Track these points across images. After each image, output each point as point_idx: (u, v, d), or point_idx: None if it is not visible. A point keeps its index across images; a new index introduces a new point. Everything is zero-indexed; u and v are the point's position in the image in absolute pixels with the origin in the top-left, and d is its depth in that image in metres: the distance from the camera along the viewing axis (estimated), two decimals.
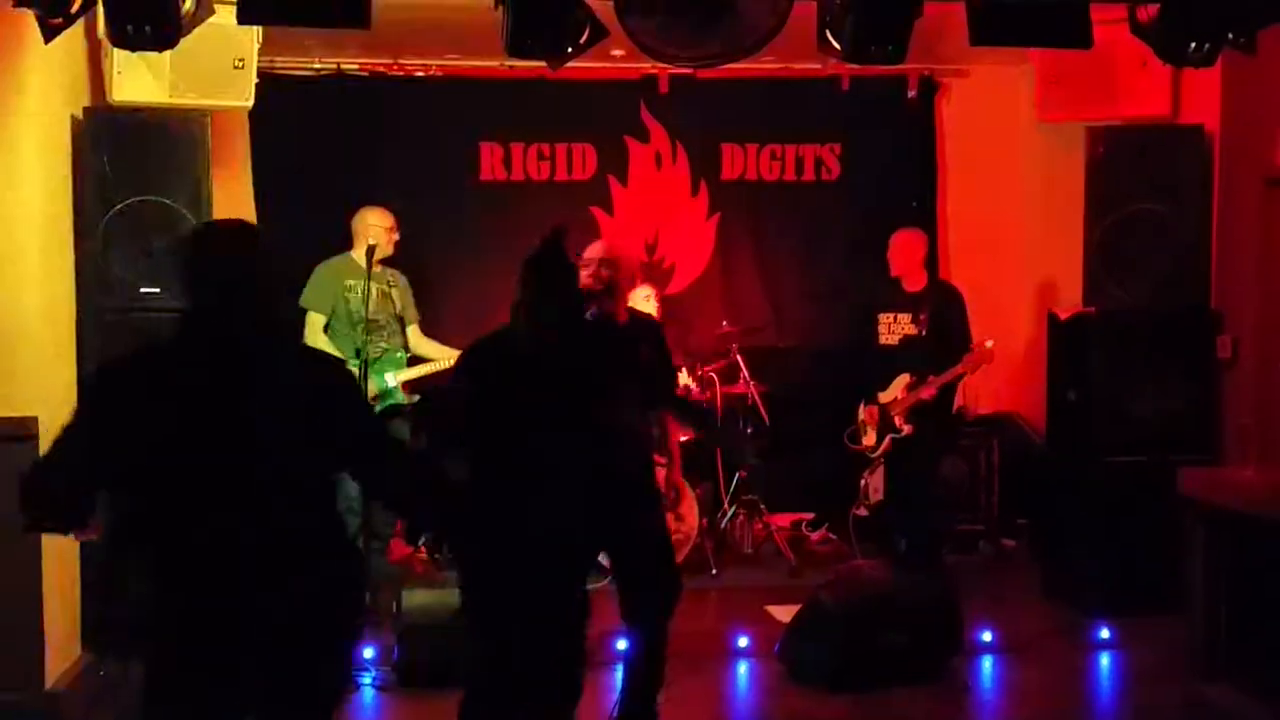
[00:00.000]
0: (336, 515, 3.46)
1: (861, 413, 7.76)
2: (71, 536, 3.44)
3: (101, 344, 6.20)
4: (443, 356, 7.29)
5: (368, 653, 6.00)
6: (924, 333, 7.37)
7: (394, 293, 7.37)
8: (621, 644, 5.56)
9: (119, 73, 6.30)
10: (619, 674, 5.34)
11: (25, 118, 5.53)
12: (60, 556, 5.54)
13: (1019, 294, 8.75)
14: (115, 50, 5.62)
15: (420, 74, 8.32)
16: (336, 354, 6.59)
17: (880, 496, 7.75)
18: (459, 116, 8.45)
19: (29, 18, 4.77)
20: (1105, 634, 6.66)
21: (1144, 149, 6.99)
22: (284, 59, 7.90)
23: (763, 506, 8.04)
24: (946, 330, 7.31)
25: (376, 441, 3.52)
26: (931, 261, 7.83)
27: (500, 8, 4.98)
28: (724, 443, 7.53)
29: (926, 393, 7.28)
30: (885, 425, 7.54)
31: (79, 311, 6.19)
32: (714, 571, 7.56)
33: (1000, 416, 8.60)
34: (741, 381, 7.97)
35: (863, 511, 7.89)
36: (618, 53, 7.41)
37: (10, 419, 5.17)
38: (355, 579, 3.47)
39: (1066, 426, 7.33)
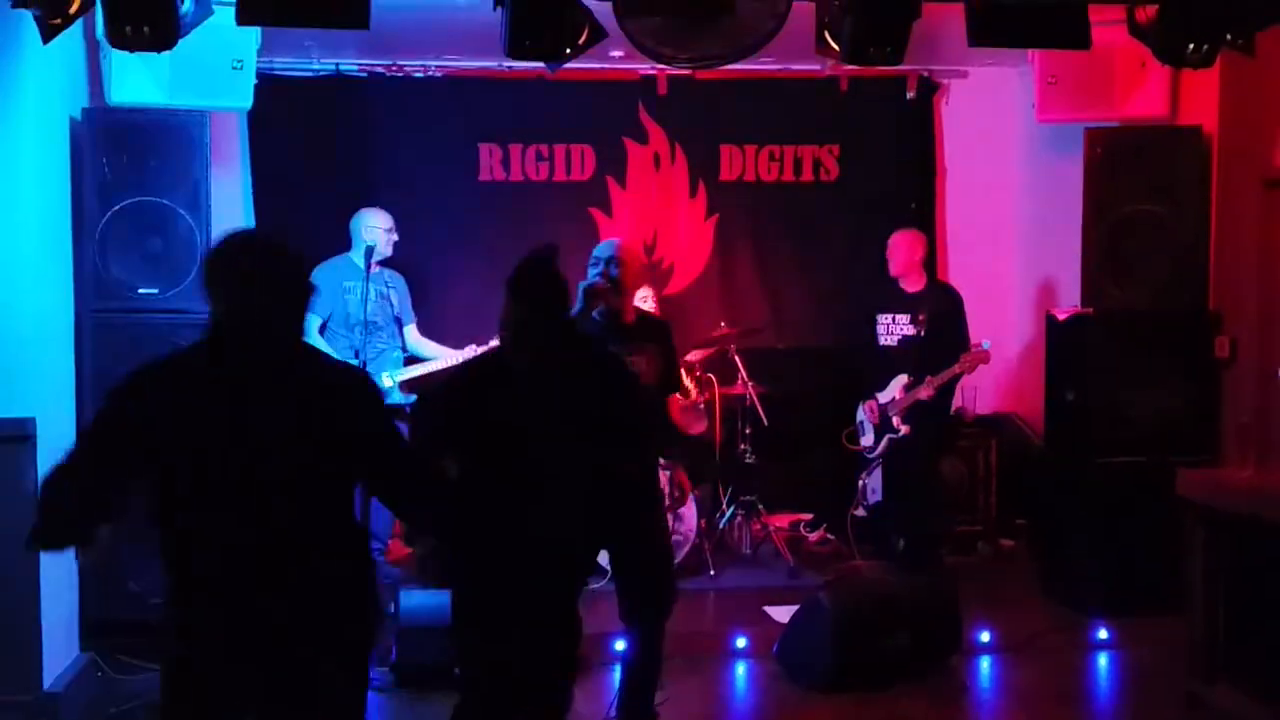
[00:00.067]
0: (353, 522, 3.46)
1: (860, 413, 7.76)
2: (76, 555, 3.44)
3: (100, 345, 6.22)
4: (441, 355, 7.32)
5: None
6: (922, 333, 7.38)
7: (392, 294, 7.39)
8: (620, 645, 5.56)
9: (118, 74, 6.31)
10: (617, 674, 5.34)
11: (24, 118, 5.52)
12: (59, 558, 5.52)
13: (1017, 295, 8.76)
14: (114, 51, 5.61)
15: (419, 75, 8.32)
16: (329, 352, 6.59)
17: (879, 497, 7.76)
18: (458, 117, 8.44)
19: (28, 18, 4.77)
20: (1104, 634, 6.67)
21: (1142, 150, 6.99)
22: (283, 60, 7.89)
23: (761, 507, 8.04)
24: (945, 331, 7.32)
25: (394, 455, 3.50)
26: (930, 262, 7.83)
27: (499, 8, 4.98)
28: (684, 462, 7.51)
29: (924, 393, 7.29)
30: (884, 426, 7.54)
31: (77, 312, 6.20)
32: (712, 572, 7.56)
33: (999, 417, 8.60)
34: (740, 382, 7.97)
35: (861, 512, 7.89)
36: (616, 54, 7.42)
37: (8, 420, 5.17)
38: (362, 585, 3.45)
39: (1065, 427, 7.33)
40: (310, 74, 8.12)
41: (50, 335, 5.84)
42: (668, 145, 8.71)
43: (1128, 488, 6.86)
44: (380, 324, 7.27)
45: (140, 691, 5.75)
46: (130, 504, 3.33)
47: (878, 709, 5.79)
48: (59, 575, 5.60)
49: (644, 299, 7.48)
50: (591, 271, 5.24)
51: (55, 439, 5.57)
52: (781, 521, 8.40)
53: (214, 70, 6.41)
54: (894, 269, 7.53)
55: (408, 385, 7.25)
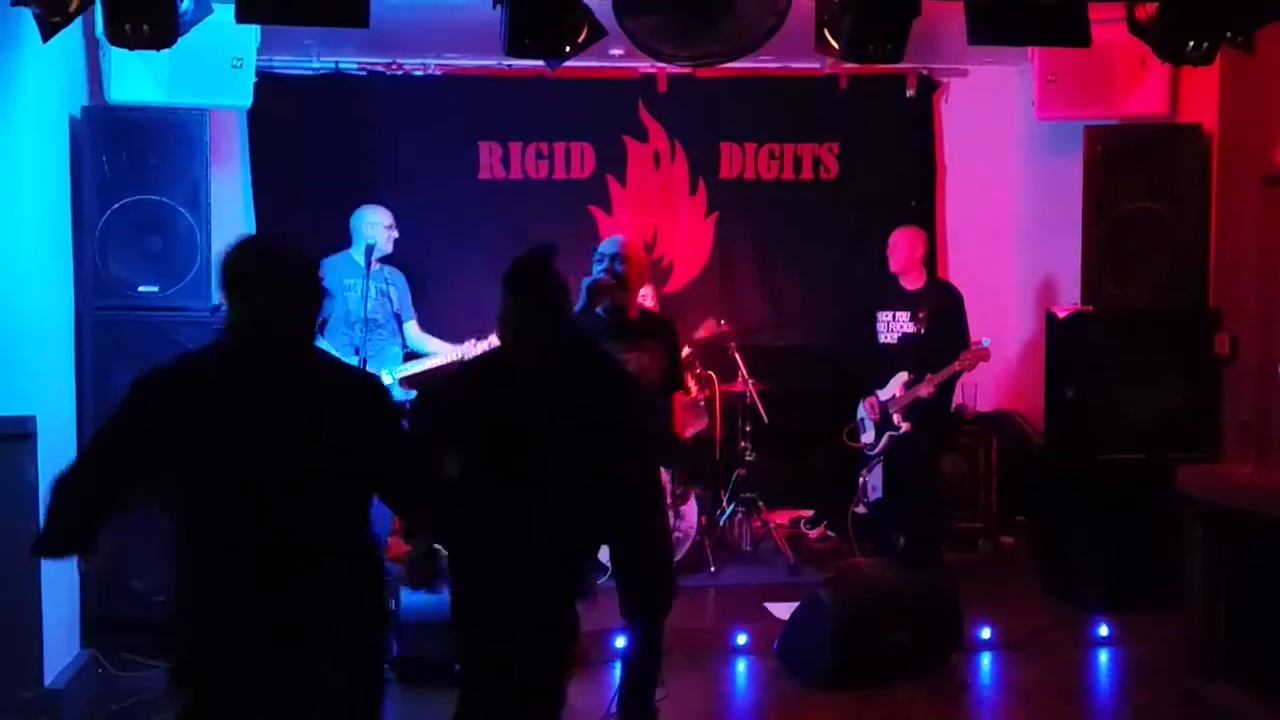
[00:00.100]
0: (362, 525, 3.45)
1: (861, 410, 7.76)
2: (77, 563, 3.45)
3: (100, 343, 6.23)
4: (441, 350, 7.33)
5: None
6: (922, 331, 7.38)
7: (391, 291, 7.40)
8: (620, 642, 5.57)
9: (117, 72, 6.31)
10: (617, 671, 5.34)
11: (23, 117, 5.53)
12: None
13: (1018, 292, 8.76)
14: (113, 49, 5.61)
15: (419, 73, 8.32)
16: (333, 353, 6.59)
17: (879, 494, 7.76)
18: (458, 116, 8.44)
19: (27, 16, 4.77)
20: (1104, 631, 6.68)
21: (1142, 148, 7.00)
22: (282, 58, 7.89)
23: (761, 504, 8.03)
24: (945, 329, 7.32)
25: (396, 455, 3.50)
26: (930, 260, 7.83)
27: (499, 7, 4.98)
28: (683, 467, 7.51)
29: (924, 391, 7.29)
30: (884, 423, 7.54)
31: (77, 310, 6.20)
32: (713, 569, 7.56)
33: (999, 414, 8.60)
34: (740, 380, 7.97)
35: (861, 509, 7.89)
36: (616, 52, 7.42)
37: (8, 418, 5.18)
38: (368, 587, 3.45)
39: (1065, 424, 7.33)
40: (310, 72, 8.12)
41: (50, 333, 5.85)
42: (668, 143, 8.71)
43: (1128, 485, 6.86)
44: (380, 321, 7.28)
45: (141, 688, 5.76)
46: (135, 506, 3.34)
47: (878, 706, 5.79)
48: (60, 572, 5.59)
49: (644, 296, 7.48)
50: (596, 268, 5.24)
51: (55, 437, 5.59)
52: (782, 519, 8.40)
53: (214, 68, 6.42)
54: (894, 266, 7.53)
55: (408, 381, 7.27)
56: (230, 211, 7.70)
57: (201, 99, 6.47)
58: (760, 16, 5.23)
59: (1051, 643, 6.63)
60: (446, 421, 4.27)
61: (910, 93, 8.74)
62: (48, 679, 5.38)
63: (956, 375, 7.34)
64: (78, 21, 4.91)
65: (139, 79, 6.35)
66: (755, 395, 7.94)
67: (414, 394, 7.17)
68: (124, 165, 6.26)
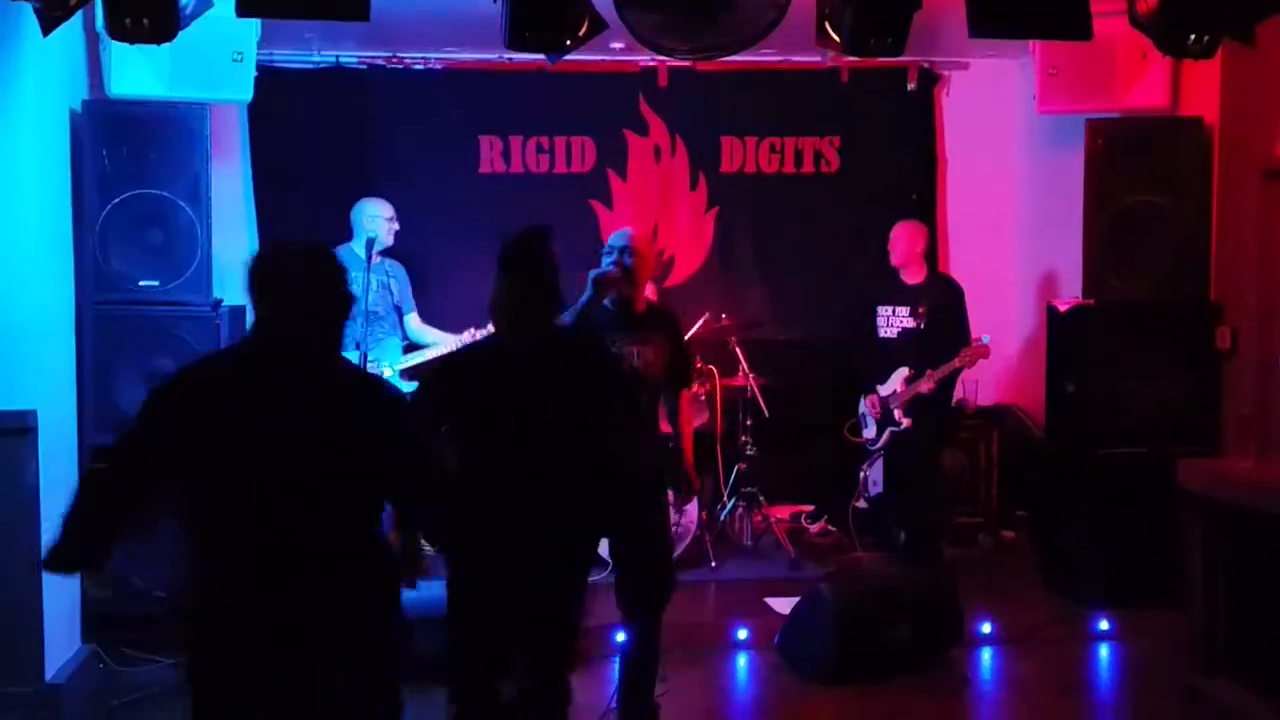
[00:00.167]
0: (370, 526, 3.44)
1: (862, 405, 7.76)
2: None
3: (100, 337, 6.23)
4: (441, 341, 7.37)
5: None
6: (922, 326, 7.37)
7: (392, 283, 7.43)
8: (619, 637, 5.57)
9: (118, 66, 6.31)
10: (616, 667, 5.34)
11: (24, 111, 5.52)
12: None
13: (1018, 286, 8.75)
14: (114, 43, 5.61)
15: (419, 67, 8.31)
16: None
17: (879, 489, 7.75)
18: (458, 109, 8.43)
19: (28, 10, 4.76)
20: (1104, 626, 6.68)
21: (1144, 141, 6.99)
22: (283, 52, 7.88)
23: (762, 499, 8.03)
24: (945, 324, 7.31)
25: (397, 453, 3.49)
26: (931, 254, 7.83)
27: (499, 1, 4.97)
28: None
29: (924, 387, 7.29)
30: (885, 418, 7.54)
31: (78, 305, 6.19)
32: (714, 564, 7.57)
33: (1000, 409, 8.60)
34: (740, 374, 7.97)
35: (862, 504, 7.89)
36: (617, 45, 7.41)
37: (9, 413, 5.17)
38: (372, 588, 3.44)
39: (1066, 418, 7.33)
40: (310, 66, 8.10)
41: (51, 328, 5.84)
42: (668, 137, 8.70)
43: (1128, 479, 6.86)
44: (381, 314, 7.30)
45: (142, 684, 5.77)
46: (150, 519, 3.35)
47: (879, 700, 5.80)
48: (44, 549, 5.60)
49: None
50: (605, 260, 5.24)
51: (56, 431, 5.58)
52: (782, 513, 8.40)
53: (214, 62, 6.41)
54: (895, 260, 7.53)
55: (408, 373, 7.28)
56: (231, 206, 7.70)
57: (202, 93, 6.46)
58: (761, 10, 5.22)
59: (1052, 638, 6.64)
60: (446, 409, 4.26)
61: (911, 86, 8.73)
62: (48, 674, 5.37)
63: (957, 372, 7.34)
64: (78, 15, 4.91)
65: (139, 73, 6.34)
66: (756, 389, 7.94)
67: (414, 385, 7.20)
68: (124, 159, 6.25)
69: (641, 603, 5.11)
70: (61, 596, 5.63)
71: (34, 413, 5.24)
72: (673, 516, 6.36)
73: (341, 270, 3.47)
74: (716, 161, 8.75)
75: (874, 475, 7.79)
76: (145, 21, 4.68)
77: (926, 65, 8.70)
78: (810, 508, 8.58)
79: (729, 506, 8.08)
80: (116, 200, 6.24)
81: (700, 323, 7.99)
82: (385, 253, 7.44)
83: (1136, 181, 6.97)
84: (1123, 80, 7.17)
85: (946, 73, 8.80)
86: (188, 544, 3.28)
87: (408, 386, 7.18)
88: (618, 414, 4.38)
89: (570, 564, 4.30)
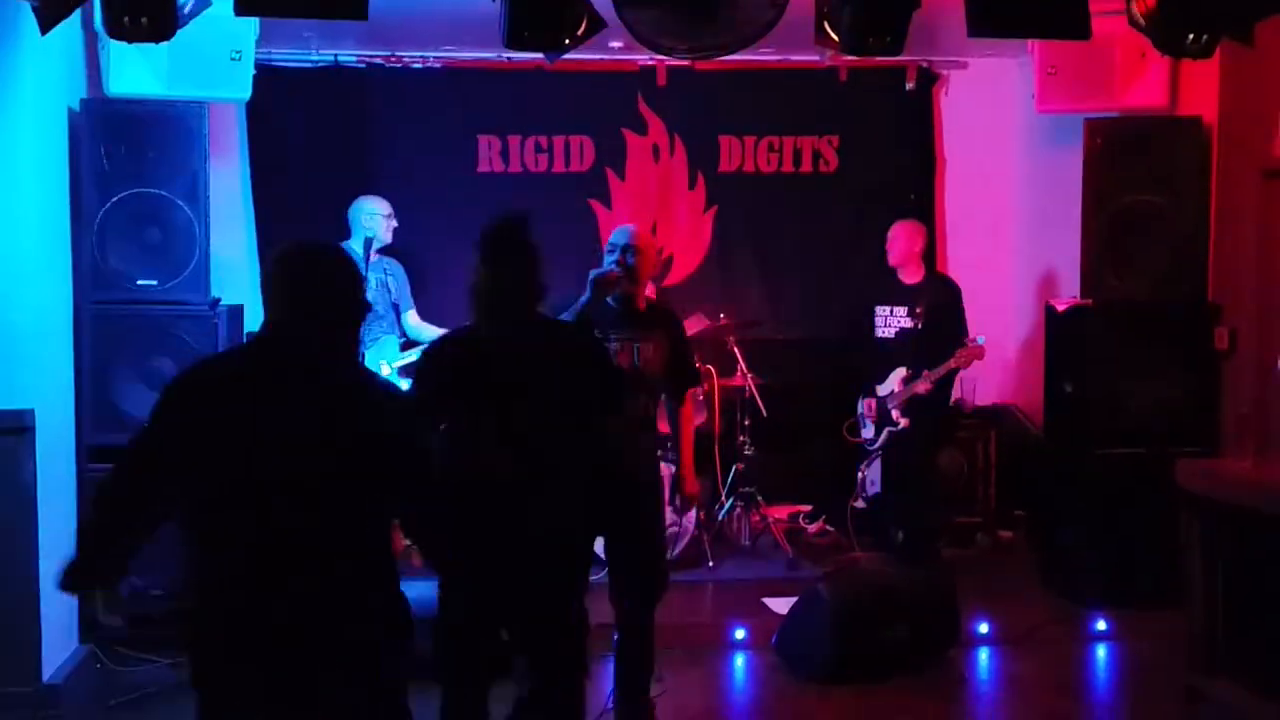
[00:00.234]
0: (373, 527, 3.43)
1: (860, 405, 7.76)
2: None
3: (98, 336, 6.22)
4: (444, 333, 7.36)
5: None
6: (920, 326, 7.37)
7: (390, 281, 7.44)
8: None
9: (116, 65, 6.30)
10: (610, 667, 5.33)
11: (22, 109, 5.52)
12: (58, 549, 5.53)
13: (1017, 286, 8.75)
14: (112, 42, 5.60)
15: (418, 66, 8.30)
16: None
17: (877, 489, 7.76)
18: (456, 108, 8.42)
19: (26, 9, 4.76)
20: (1103, 626, 6.67)
21: (1142, 141, 6.99)
22: (281, 51, 7.87)
23: (760, 499, 8.03)
24: (942, 323, 7.32)
25: (396, 453, 3.48)
26: (929, 253, 7.83)
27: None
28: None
29: (921, 388, 7.29)
30: (883, 419, 7.54)
31: (76, 303, 6.19)
32: (711, 564, 7.56)
33: (998, 408, 8.59)
34: (739, 374, 7.97)
35: (860, 504, 7.89)
36: (616, 45, 7.41)
37: (7, 412, 5.17)
38: (373, 589, 3.43)
39: (1064, 418, 7.33)
40: (309, 65, 8.10)
41: (49, 327, 5.84)
42: (667, 136, 8.70)
43: (1127, 479, 6.85)
44: (379, 312, 7.31)
45: (140, 684, 5.76)
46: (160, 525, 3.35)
47: (876, 701, 5.79)
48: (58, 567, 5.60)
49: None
50: (607, 259, 5.24)
51: (53, 431, 5.58)
52: (780, 513, 8.40)
53: (212, 61, 6.40)
54: (893, 260, 7.53)
55: (406, 370, 7.28)
56: (229, 204, 7.70)
57: (200, 91, 6.45)
58: (760, 9, 5.22)
59: (1050, 638, 6.63)
60: (434, 405, 4.23)
61: (910, 85, 8.72)
62: (46, 674, 5.38)
63: (954, 372, 7.34)
64: (76, 14, 4.91)
65: (138, 72, 6.33)
66: (754, 389, 7.93)
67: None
68: (123, 158, 6.24)
69: (634, 600, 5.12)
70: (59, 597, 5.62)
71: (31, 412, 5.25)
72: (671, 516, 6.37)
73: (346, 271, 3.44)
74: (715, 161, 8.75)
75: (872, 475, 7.79)
76: (143, 20, 4.67)
77: (925, 64, 8.70)
78: (808, 508, 8.57)
79: (727, 506, 8.08)
80: (115, 199, 6.23)
81: (696, 322, 7.98)
82: (384, 251, 7.45)
83: (1135, 181, 6.97)
84: (1121, 80, 7.17)
85: (945, 72, 8.80)
86: (188, 545, 3.27)
87: (406, 384, 7.19)
88: (604, 406, 4.37)
89: (563, 562, 4.27)
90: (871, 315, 7.58)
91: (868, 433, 7.71)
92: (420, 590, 5.72)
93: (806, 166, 8.79)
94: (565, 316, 5.02)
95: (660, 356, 5.22)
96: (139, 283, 6.31)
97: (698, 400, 7.74)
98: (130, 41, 4.81)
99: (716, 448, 8.13)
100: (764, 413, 7.94)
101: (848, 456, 7.95)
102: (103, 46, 6.33)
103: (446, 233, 8.27)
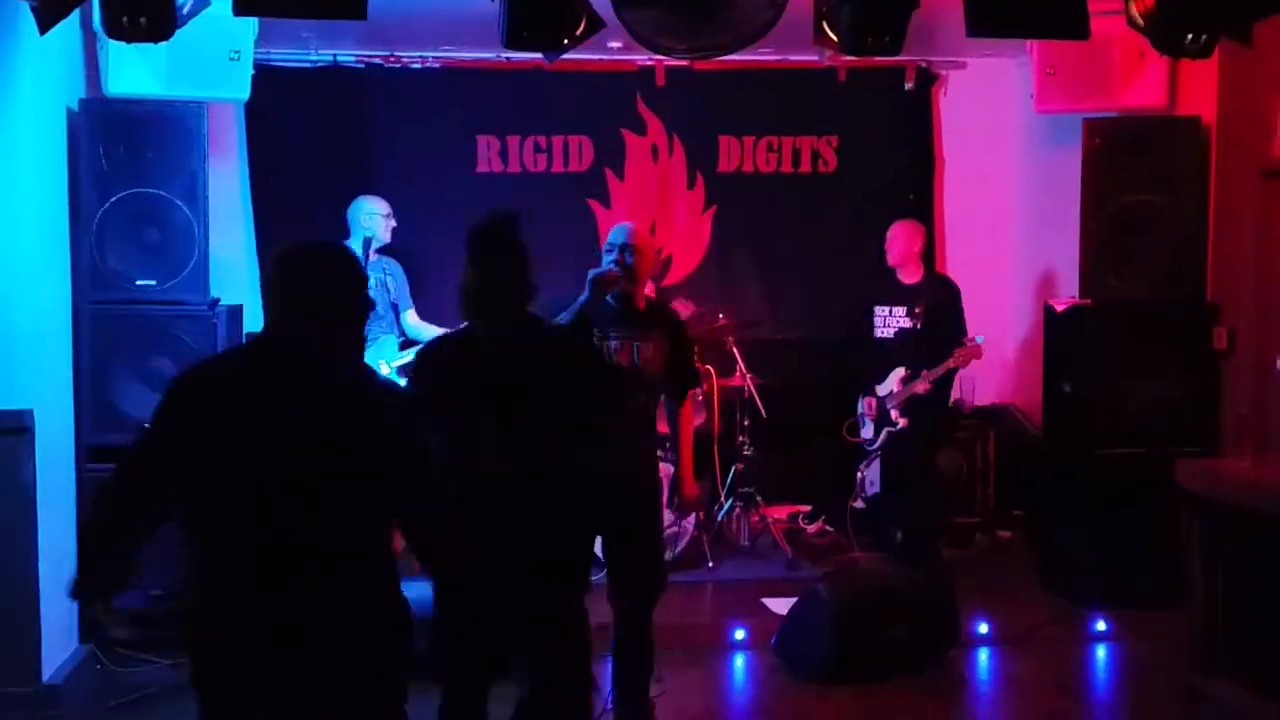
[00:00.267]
0: (374, 527, 3.43)
1: (860, 406, 7.76)
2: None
3: (97, 336, 6.22)
4: (440, 334, 7.36)
5: None
6: (919, 326, 7.37)
7: (389, 281, 7.44)
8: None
9: (115, 65, 6.30)
10: (609, 667, 5.33)
11: (21, 109, 5.51)
12: (57, 549, 5.53)
13: (1016, 286, 8.75)
14: (111, 42, 5.60)
15: (417, 66, 8.30)
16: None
17: (876, 489, 7.75)
18: (455, 109, 8.42)
19: (25, 9, 4.76)
20: (1102, 626, 6.67)
21: (1141, 140, 6.99)
22: (280, 51, 7.87)
23: (759, 499, 8.03)
24: (941, 323, 7.32)
25: (396, 454, 3.48)
26: (928, 253, 7.83)
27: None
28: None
29: (920, 388, 7.29)
30: (882, 419, 7.54)
31: (74, 304, 6.19)
32: (711, 564, 7.56)
33: (997, 409, 8.60)
34: (738, 374, 7.96)
35: (860, 504, 7.89)
36: (615, 45, 7.41)
37: (6, 412, 5.17)
38: (373, 589, 3.42)
39: (1063, 418, 7.33)
40: (308, 65, 8.09)
41: (48, 327, 5.84)
42: (666, 136, 8.70)
43: (1126, 479, 6.85)
44: (379, 312, 7.30)
45: (140, 684, 5.76)
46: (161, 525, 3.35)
47: (876, 701, 5.79)
48: (58, 568, 5.60)
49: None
50: (606, 258, 5.24)
51: (52, 431, 5.58)
52: (780, 513, 8.39)
53: (211, 61, 6.40)
54: (892, 260, 7.53)
55: (405, 370, 7.28)
56: (228, 204, 7.69)
57: (199, 91, 6.45)
58: (758, 9, 5.22)
59: (1049, 638, 6.63)
60: (432, 404, 4.22)
61: (909, 85, 8.71)
62: (45, 675, 5.38)
63: (952, 372, 7.34)
64: (75, 14, 4.90)
65: (136, 72, 6.33)
66: (753, 389, 7.93)
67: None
68: (121, 158, 6.24)
69: (633, 600, 5.12)
70: (59, 598, 5.63)
71: (31, 412, 5.25)
72: (669, 517, 6.37)
73: (345, 269, 3.44)
74: (714, 161, 8.75)
75: (871, 475, 7.79)
76: (142, 20, 4.67)
77: (924, 65, 8.69)
78: (808, 508, 8.57)
79: (726, 507, 8.07)
80: (113, 199, 6.23)
81: (678, 300, 7.95)
82: (383, 250, 7.45)
83: (1134, 181, 6.97)
84: (1120, 80, 7.17)
85: (944, 72, 8.79)
86: (188, 545, 3.27)
87: (404, 383, 7.19)
88: (602, 406, 4.36)
89: (562, 562, 4.25)
90: (870, 315, 7.58)
91: (867, 433, 7.71)
92: (420, 590, 5.75)
93: (805, 167, 8.79)
94: (564, 316, 5.02)
95: (660, 356, 5.21)
96: (138, 283, 6.30)
97: (697, 401, 7.73)
98: (129, 41, 4.81)
99: (716, 448, 8.12)
100: (763, 413, 7.93)
101: (847, 457, 7.95)
102: (101, 46, 6.33)
103: (445, 233, 8.23)
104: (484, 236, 4.23)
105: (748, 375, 7.93)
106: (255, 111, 7.83)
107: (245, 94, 6.65)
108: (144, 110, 6.32)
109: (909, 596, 6.15)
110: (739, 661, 6.41)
